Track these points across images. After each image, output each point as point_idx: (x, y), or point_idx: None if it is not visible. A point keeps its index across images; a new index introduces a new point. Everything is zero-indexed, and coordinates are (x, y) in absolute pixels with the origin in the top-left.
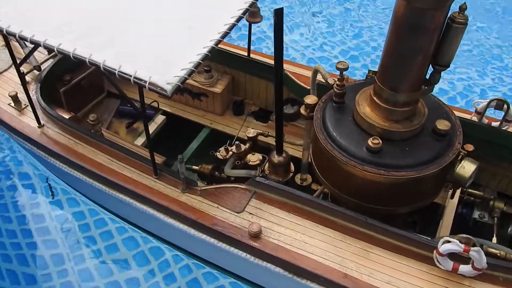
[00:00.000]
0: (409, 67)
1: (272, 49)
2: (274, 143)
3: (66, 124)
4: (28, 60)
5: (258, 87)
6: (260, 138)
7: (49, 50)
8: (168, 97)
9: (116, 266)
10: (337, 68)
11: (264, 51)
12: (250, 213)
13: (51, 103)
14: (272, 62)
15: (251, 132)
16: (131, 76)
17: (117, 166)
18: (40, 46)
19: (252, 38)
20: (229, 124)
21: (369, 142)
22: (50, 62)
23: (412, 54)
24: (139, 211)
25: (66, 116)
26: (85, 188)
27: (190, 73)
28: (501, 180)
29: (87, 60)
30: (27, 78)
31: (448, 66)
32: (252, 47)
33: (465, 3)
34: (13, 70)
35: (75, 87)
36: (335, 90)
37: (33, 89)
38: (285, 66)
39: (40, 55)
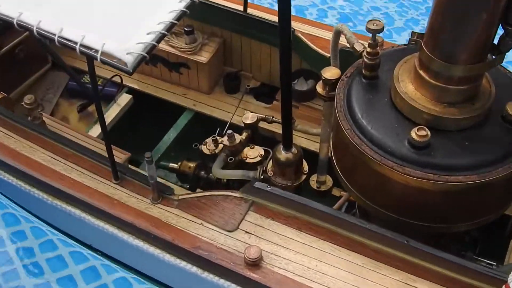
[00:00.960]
0: (470, 29)
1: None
2: (280, 131)
3: None
4: None
5: (259, 53)
6: (262, 124)
7: None
8: (129, 74)
9: None
10: (368, 30)
11: (267, 4)
12: (247, 232)
13: None
14: (277, 18)
15: (250, 117)
16: (76, 43)
17: (63, 167)
18: None
19: None
20: (220, 105)
21: (413, 133)
22: None
23: (475, 10)
24: (95, 229)
25: None
26: (21, 197)
27: (161, 38)
28: None
29: (15, 22)
30: None
31: None
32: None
33: None
34: None
35: (7, 57)
36: (366, 60)
37: None
38: (295, 24)
39: None
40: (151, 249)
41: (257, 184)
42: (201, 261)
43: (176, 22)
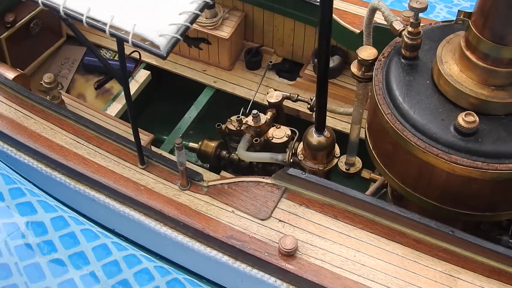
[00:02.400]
0: None
1: None
2: (309, 111)
3: (10, 89)
4: None
5: (281, 28)
6: (286, 103)
7: None
8: (163, 58)
9: None
10: (412, 8)
11: None
12: (281, 221)
13: None
14: None
15: (274, 96)
16: (105, 24)
17: (86, 150)
18: None
19: None
20: (241, 82)
21: (460, 119)
22: None
23: None
24: (120, 215)
25: (10, 75)
26: (42, 180)
27: (194, 19)
28: None
29: (39, 1)
30: None
31: None
32: None
33: None
34: None
35: (22, 31)
36: (406, 40)
37: None
38: None
39: None
40: (180, 237)
41: (291, 171)
42: (233, 250)
43: (209, 1)
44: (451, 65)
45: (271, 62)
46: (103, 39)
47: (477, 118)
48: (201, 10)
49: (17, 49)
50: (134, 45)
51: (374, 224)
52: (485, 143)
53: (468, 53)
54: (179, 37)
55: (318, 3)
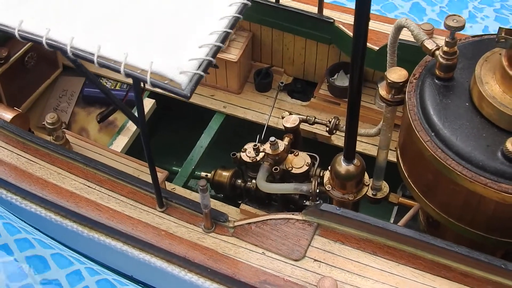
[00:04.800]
0: None
1: None
2: (327, 134)
3: (11, 132)
4: None
5: (291, 47)
6: (304, 127)
7: None
8: (186, 98)
9: None
10: (448, 27)
11: None
12: (316, 260)
13: None
14: (313, 9)
15: (291, 120)
16: (120, 63)
17: (99, 195)
18: None
19: None
20: (252, 106)
21: (509, 144)
22: None
23: None
24: (140, 262)
25: (8, 116)
26: (52, 229)
27: (216, 52)
28: None
29: (43, 41)
30: None
31: None
32: None
33: None
34: None
35: (17, 66)
36: (441, 60)
37: None
38: (334, 14)
39: None
40: (207, 283)
41: (325, 207)
42: None
43: (230, 31)
44: (492, 86)
45: (282, 82)
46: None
47: None
48: (223, 41)
49: (12, 85)
50: (153, 85)
51: (417, 258)
52: None
53: (511, 72)
54: (201, 73)
55: (331, 20)
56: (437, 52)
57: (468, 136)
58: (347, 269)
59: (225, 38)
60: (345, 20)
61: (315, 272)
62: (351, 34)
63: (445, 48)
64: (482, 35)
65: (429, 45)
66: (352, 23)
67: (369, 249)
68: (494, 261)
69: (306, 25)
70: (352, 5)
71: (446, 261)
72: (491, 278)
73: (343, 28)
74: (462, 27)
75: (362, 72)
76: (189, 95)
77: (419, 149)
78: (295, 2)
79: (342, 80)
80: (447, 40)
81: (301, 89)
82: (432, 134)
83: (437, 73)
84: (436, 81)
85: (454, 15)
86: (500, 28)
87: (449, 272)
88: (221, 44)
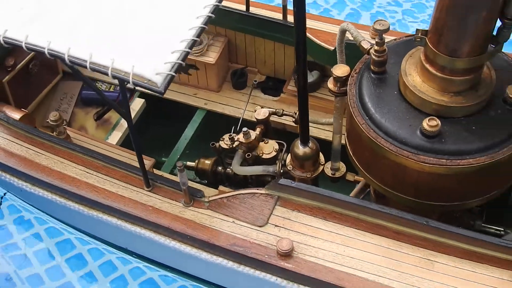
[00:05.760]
0: (471, 25)
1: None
2: (294, 124)
3: (20, 129)
4: None
5: (262, 49)
6: (273, 118)
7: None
8: (161, 94)
9: None
10: (375, 30)
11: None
12: (276, 226)
13: None
14: (279, 15)
15: (261, 113)
16: (107, 68)
17: (96, 178)
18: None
19: None
20: (230, 102)
21: (425, 124)
22: None
23: (477, 8)
24: (132, 234)
25: (17, 115)
26: (56, 209)
27: (185, 56)
28: None
29: (46, 51)
30: None
31: None
32: None
33: None
34: None
35: (22, 73)
36: (374, 57)
37: None
38: None
39: None
40: (188, 249)
41: (282, 181)
42: (236, 256)
43: (197, 39)
44: (414, 77)
45: (256, 81)
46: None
47: (439, 122)
48: (191, 47)
49: (19, 89)
50: (135, 84)
51: (359, 221)
52: (448, 143)
53: (428, 66)
54: (173, 74)
55: (293, 25)
56: (371, 51)
57: (395, 118)
58: (302, 231)
59: (193, 44)
60: (309, 24)
61: (276, 235)
62: (312, 37)
63: (376, 47)
64: (412, 35)
65: (365, 45)
66: (312, 27)
67: (320, 215)
68: (418, 219)
69: (273, 30)
70: (314, 12)
71: (381, 222)
72: (418, 234)
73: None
74: (387, 30)
75: (306, 71)
76: (163, 91)
77: (358, 132)
78: (263, 10)
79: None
80: (376, 40)
81: (273, 86)
82: (367, 118)
83: (372, 68)
84: (372, 75)
85: (381, 19)
86: (417, 29)
87: (385, 231)
88: (189, 50)
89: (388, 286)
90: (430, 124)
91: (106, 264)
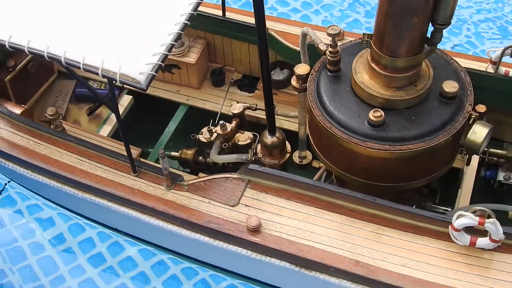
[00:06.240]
0: (407, 29)
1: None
2: (264, 117)
3: (21, 122)
4: None
5: (238, 50)
6: (248, 112)
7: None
8: (143, 90)
9: (102, 277)
10: (328, 34)
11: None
12: (246, 205)
13: None
14: (252, 20)
15: (237, 107)
16: (98, 68)
17: (89, 165)
18: None
19: None
20: (209, 98)
21: (370, 115)
22: None
23: (409, 15)
24: (120, 214)
25: (17, 111)
26: (54, 194)
27: (164, 58)
28: None
29: (45, 54)
30: None
31: (449, 24)
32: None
33: None
34: None
35: (21, 73)
36: (329, 57)
37: None
38: (269, 23)
39: None
40: (170, 226)
41: (251, 166)
42: (212, 232)
43: (174, 43)
44: (363, 75)
45: (233, 79)
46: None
47: (383, 113)
48: (169, 50)
49: (18, 87)
50: (121, 82)
51: (318, 200)
52: (391, 131)
53: (373, 65)
54: (154, 73)
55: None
56: (326, 52)
57: (346, 110)
58: (269, 210)
59: (171, 48)
60: (276, 27)
61: (246, 214)
62: (281, 39)
63: (330, 49)
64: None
65: (322, 47)
66: (282, 30)
67: (284, 196)
68: (366, 197)
69: (247, 33)
70: (284, 16)
71: (337, 201)
72: (368, 211)
73: (274, 34)
74: (338, 34)
75: (269, 69)
76: (145, 88)
77: (316, 123)
78: (238, 15)
79: (278, 75)
80: (330, 43)
81: (248, 83)
82: (323, 110)
83: (328, 67)
84: (328, 73)
85: (333, 25)
86: (363, 33)
87: (340, 209)
88: (168, 53)
89: (342, 256)
90: (375, 115)
91: (114, 245)
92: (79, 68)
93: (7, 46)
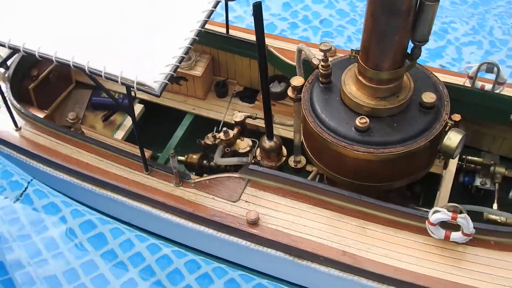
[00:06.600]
0: (389, 46)
1: (252, 24)
2: (263, 125)
3: (45, 125)
4: None
5: (240, 65)
6: (248, 121)
7: (30, 54)
8: (157, 96)
9: (113, 272)
10: (320, 50)
11: (245, 26)
12: (246, 201)
13: (20, 102)
14: (253, 37)
15: (238, 116)
16: (117, 77)
17: (106, 164)
18: (20, 51)
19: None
20: (214, 108)
21: (357, 122)
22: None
23: (390, 33)
24: (134, 209)
25: (41, 115)
26: (73, 190)
27: (175, 68)
28: (501, 144)
29: (71, 63)
30: None
31: (426, 41)
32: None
33: None
34: None
35: (43, 82)
36: (321, 71)
37: (4, 89)
38: (268, 41)
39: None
40: (177, 219)
41: (251, 167)
42: (215, 225)
43: (185, 56)
44: (351, 86)
45: (235, 91)
46: (104, 82)
47: (368, 120)
48: (180, 62)
49: (40, 95)
50: (138, 89)
51: (310, 198)
52: (375, 136)
53: (360, 78)
54: (167, 82)
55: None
56: (319, 66)
57: (336, 118)
58: (266, 206)
59: (181, 60)
60: (276, 45)
61: (246, 209)
62: (279, 55)
63: (322, 63)
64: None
65: (315, 61)
66: (280, 47)
67: (280, 193)
68: (353, 195)
69: (248, 49)
70: (281, 34)
71: (327, 198)
72: (354, 207)
73: (273, 50)
74: (329, 50)
75: (267, 82)
76: (159, 94)
77: (309, 128)
78: (240, 32)
79: (276, 88)
80: (322, 58)
81: (249, 95)
82: (315, 117)
83: (320, 79)
84: (320, 84)
85: (325, 42)
86: (352, 49)
87: (330, 206)
88: (179, 64)
89: (331, 247)
90: (361, 122)
91: (126, 242)
92: (101, 76)
93: (37, 56)
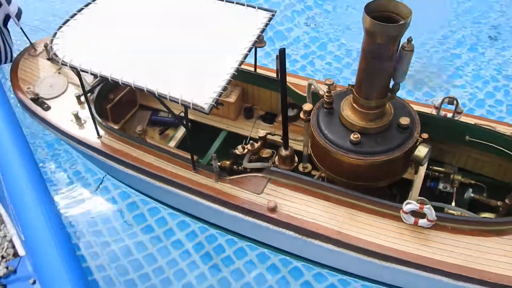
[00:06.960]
0: (376, 83)
1: (274, 64)
2: (281, 140)
3: (120, 135)
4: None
5: (264, 95)
6: (269, 137)
7: (116, 82)
8: (206, 114)
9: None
10: (325, 84)
11: (269, 65)
12: (268, 194)
13: (100, 117)
14: (273, 75)
15: (261, 133)
16: (178, 99)
17: (164, 164)
18: (108, 79)
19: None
20: (242, 126)
21: (351, 136)
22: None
23: (378, 74)
24: (184, 198)
25: (116, 127)
26: (139, 184)
27: (220, 95)
28: (459, 158)
29: (145, 89)
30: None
31: (403, 80)
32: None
33: (411, 36)
34: (66, 93)
35: (117, 103)
36: (325, 99)
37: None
38: (287, 78)
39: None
40: (217, 207)
41: (272, 169)
42: (245, 211)
43: (227, 86)
44: (347, 111)
45: (259, 114)
46: (159, 105)
47: (359, 136)
48: (223, 90)
49: (114, 113)
50: (194, 108)
51: (315, 192)
52: (365, 147)
53: (354, 105)
54: (214, 104)
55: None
56: (324, 96)
57: (336, 133)
58: (282, 198)
59: (225, 89)
60: (292, 81)
61: (267, 199)
62: (293, 87)
63: (326, 94)
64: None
65: (321, 92)
66: (295, 82)
67: (293, 189)
68: (347, 191)
69: (270, 84)
70: (296, 72)
71: (327, 193)
72: (348, 200)
73: (290, 85)
74: (332, 84)
75: (286, 108)
76: (208, 112)
77: (316, 142)
78: (265, 71)
79: (290, 112)
80: (326, 90)
81: (269, 118)
82: (321, 134)
83: (325, 106)
84: (325, 110)
85: (329, 78)
86: (348, 84)
87: (330, 198)
88: (223, 91)
89: (331, 228)
90: (354, 137)
91: (191, 234)
92: (166, 98)
93: (120, 83)
